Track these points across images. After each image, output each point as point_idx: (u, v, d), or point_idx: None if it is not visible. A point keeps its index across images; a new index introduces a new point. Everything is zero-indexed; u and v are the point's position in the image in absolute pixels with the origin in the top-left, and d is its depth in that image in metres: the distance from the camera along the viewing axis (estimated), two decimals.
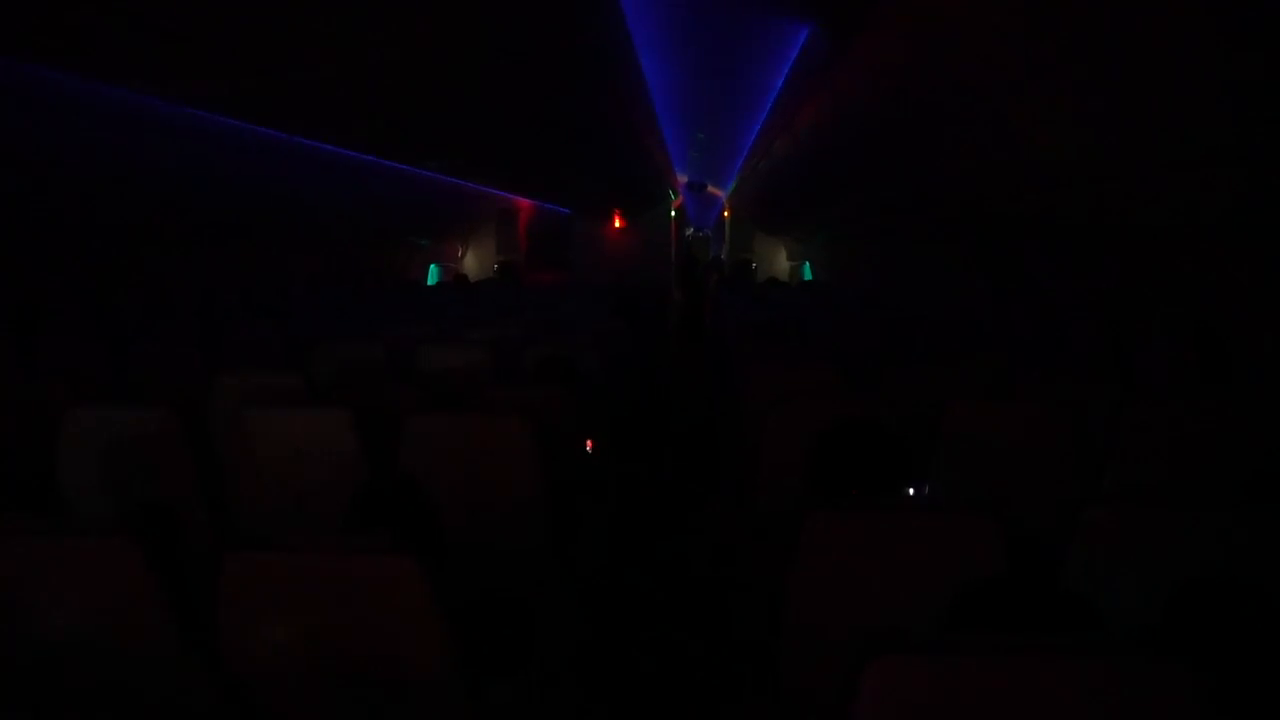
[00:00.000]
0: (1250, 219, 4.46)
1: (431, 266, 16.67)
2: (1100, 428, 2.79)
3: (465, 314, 7.42)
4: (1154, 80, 3.46)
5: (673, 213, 20.61)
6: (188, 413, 3.01)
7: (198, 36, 4.37)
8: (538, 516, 2.91)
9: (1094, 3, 3.26)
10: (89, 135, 5.85)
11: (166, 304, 7.91)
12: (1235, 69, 3.04)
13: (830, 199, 11.62)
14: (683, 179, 18.73)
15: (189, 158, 7.04)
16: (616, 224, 19.54)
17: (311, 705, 1.96)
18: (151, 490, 2.96)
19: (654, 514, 5.17)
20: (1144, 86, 3.57)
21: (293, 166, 8.54)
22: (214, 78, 5.22)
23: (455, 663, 1.84)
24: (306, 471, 3.00)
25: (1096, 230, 6.20)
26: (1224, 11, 2.80)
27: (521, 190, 17.26)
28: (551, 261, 19.09)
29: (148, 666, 1.95)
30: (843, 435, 2.33)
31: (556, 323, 6.51)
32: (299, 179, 9.05)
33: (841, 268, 15.93)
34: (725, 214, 22.72)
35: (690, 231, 23.67)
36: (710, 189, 19.93)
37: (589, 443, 3.86)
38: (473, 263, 18.66)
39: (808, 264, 19.46)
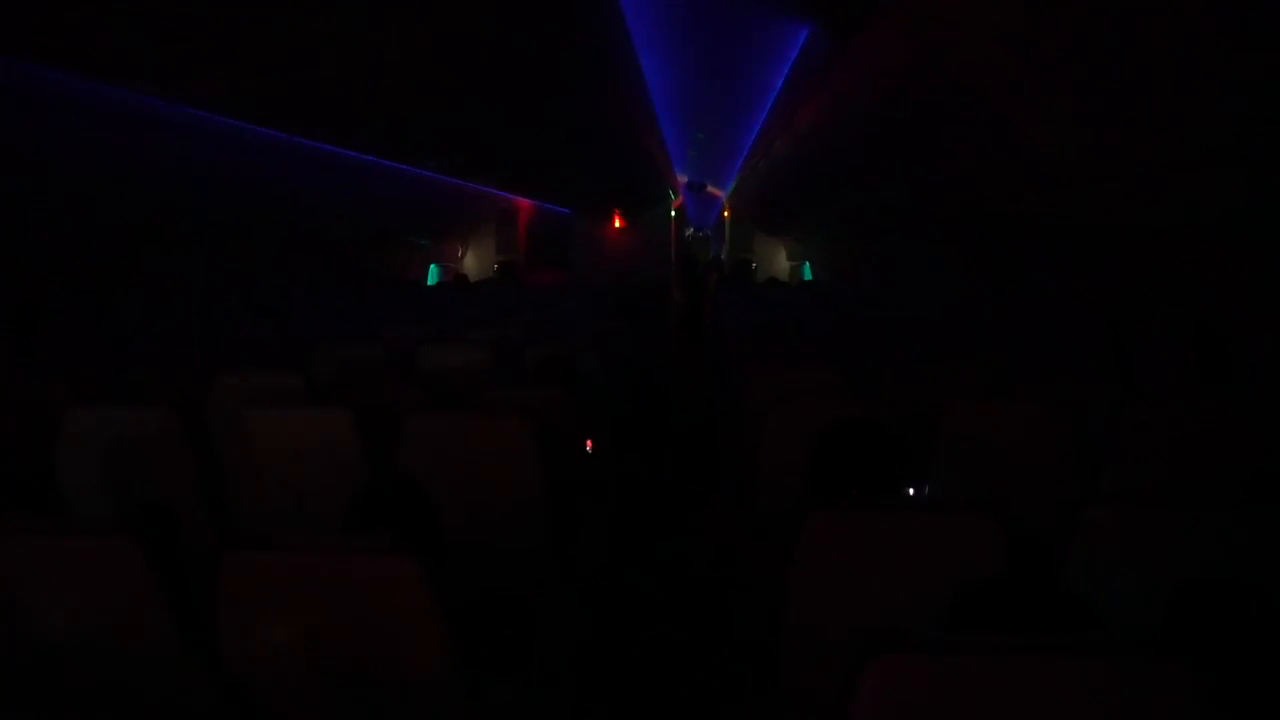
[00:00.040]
0: (1250, 219, 4.46)
1: (431, 266, 16.67)
2: (1100, 428, 2.79)
3: (465, 314, 7.42)
4: (1154, 80, 3.46)
5: (673, 213, 20.61)
6: (188, 413, 3.01)
7: (198, 36, 4.37)
8: (538, 516, 2.91)
9: (1094, 3, 3.26)
10: (89, 135, 5.85)
11: (166, 304, 7.91)
12: (1235, 69, 3.04)
13: (830, 199, 11.62)
14: (683, 179, 18.73)
15: (189, 158, 7.04)
16: (616, 224, 19.54)
17: (311, 705, 1.96)
18: (151, 490, 2.96)
19: (654, 514, 5.17)
20: (1144, 86, 3.57)
21: (293, 166, 8.54)
22: (214, 78, 5.22)
23: (455, 663, 1.84)
24: (306, 471, 3.00)
25: (1096, 230, 6.20)
26: (1224, 11, 2.80)
27: (521, 190, 17.27)
28: (551, 261, 19.09)
29: (148, 666, 1.95)
30: (843, 435, 2.33)
31: (556, 323, 6.51)
32: (299, 179, 9.05)
33: (841, 268, 15.93)
34: (725, 214, 22.73)
35: (690, 231, 23.68)
36: (710, 189, 19.93)
37: (589, 443, 3.86)
38: (473, 263, 18.66)
39: (807, 264, 19.46)
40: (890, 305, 8.20)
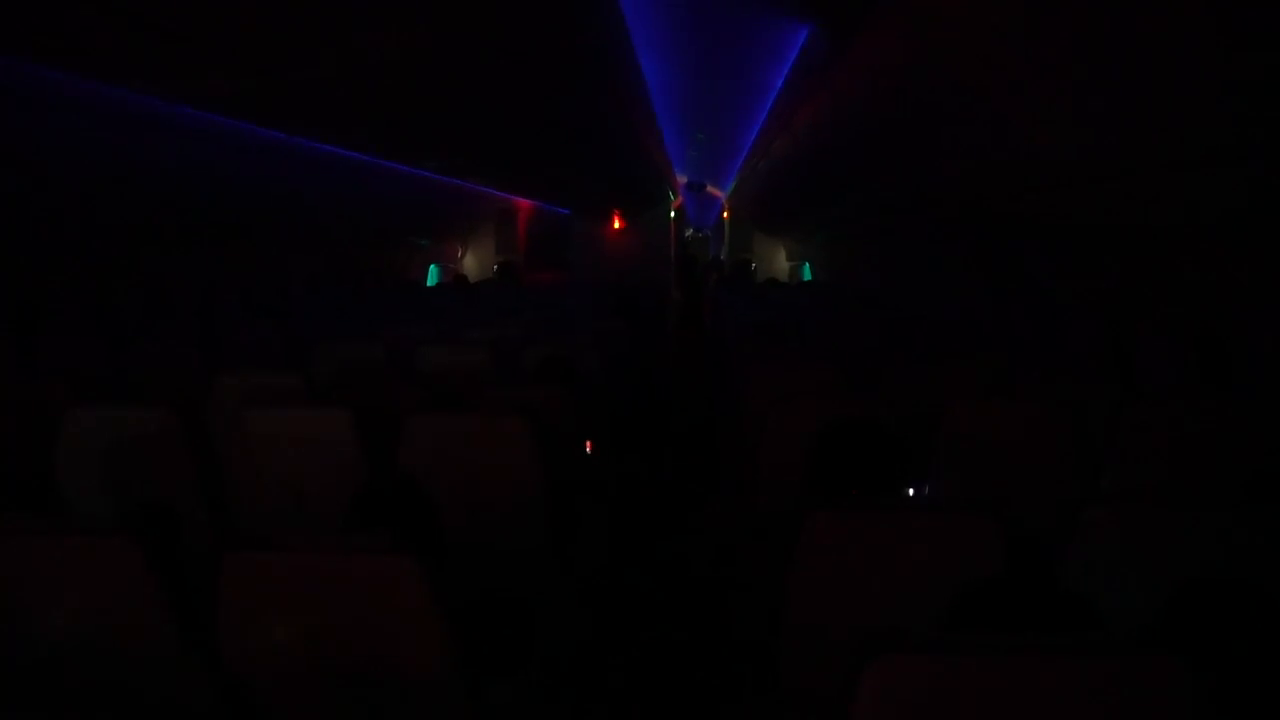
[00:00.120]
0: (1250, 219, 4.46)
1: (431, 267, 16.66)
2: (1100, 428, 2.79)
3: (465, 314, 7.42)
4: (1154, 80, 3.46)
5: (672, 213, 20.60)
6: (188, 413, 3.01)
7: (198, 36, 4.37)
8: (537, 516, 2.91)
9: (1094, 3, 3.26)
10: (89, 135, 5.85)
11: (166, 304, 7.91)
12: (1235, 69, 3.04)
13: (830, 199, 11.62)
14: (682, 179, 18.73)
15: (189, 158, 7.04)
16: (616, 225, 19.53)
17: (311, 705, 1.96)
18: (151, 490, 2.96)
19: (654, 514, 5.17)
20: (1144, 86, 3.57)
21: (293, 167, 8.54)
22: (214, 78, 5.21)
23: (455, 663, 1.84)
24: (306, 471, 3.00)
25: (1096, 230, 6.20)
26: (1224, 11, 2.80)
27: (521, 191, 17.26)
28: (551, 262, 19.09)
29: (148, 666, 1.95)
30: (842, 435, 2.33)
31: (556, 323, 6.51)
32: (299, 179, 9.05)
33: (841, 268, 15.93)
34: (724, 214, 22.72)
35: (690, 232, 23.69)
36: (710, 189, 19.93)
37: (588, 444, 3.86)
38: (472, 263, 18.65)
39: (807, 265, 19.45)
40: (890, 305, 8.21)
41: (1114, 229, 5.93)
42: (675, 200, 20.60)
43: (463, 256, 18.52)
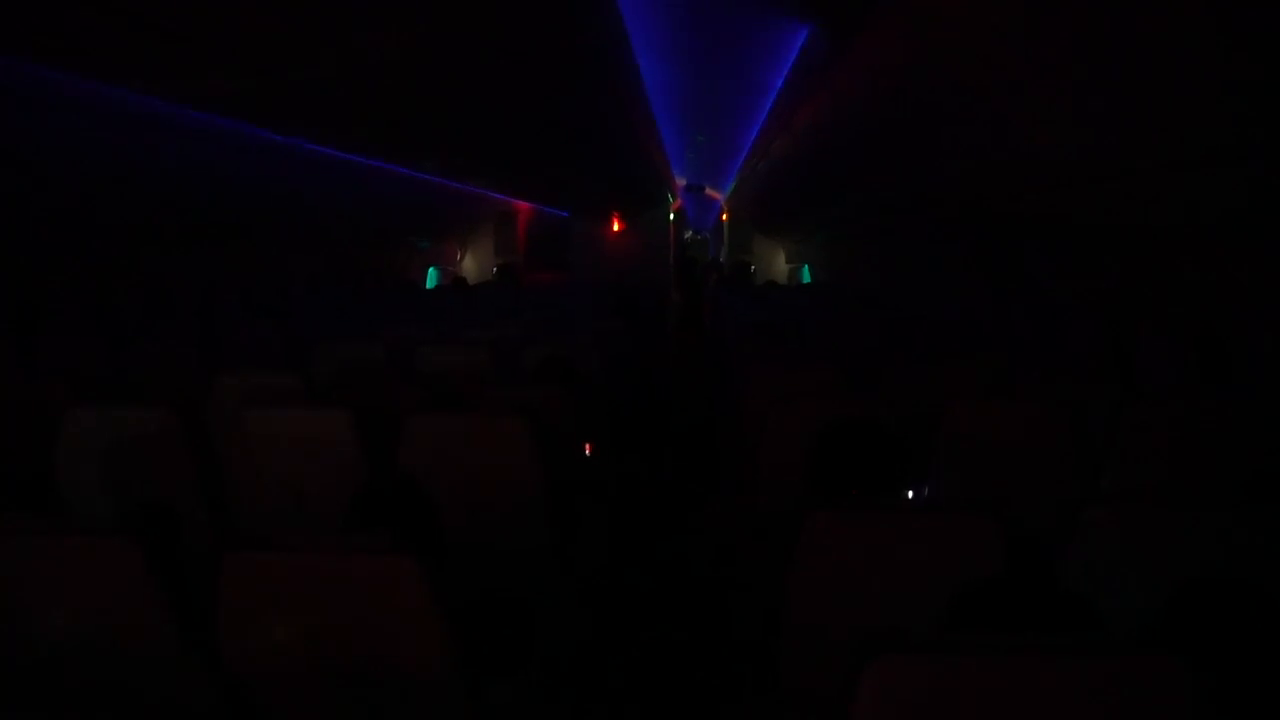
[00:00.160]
0: (1250, 219, 4.46)
1: (430, 269, 16.66)
2: (1100, 428, 2.79)
3: (465, 315, 7.42)
4: (1154, 80, 3.46)
5: (671, 215, 20.60)
6: (188, 413, 3.01)
7: (198, 36, 4.37)
8: (537, 516, 2.91)
9: (1094, 3, 3.26)
10: (89, 135, 5.85)
11: (166, 304, 7.91)
12: (1235, 69, 3.05)
13: (829, 199, 11.62)
14: (681, 181, 18.73)
15: (189, 158, 7.04)
16: (615, 227, 19.53)
17: (311, 705, 1.96)
18: (151, 490, 2.96)
19: (654, 514, 5.17)
20: (1144, 86, 3.57)
21: (293, 167, 8.55)
22: (214, 78, 5.21)
23: (455, 663, 1.84)
24: (306, 471, 3.00)
25: (1096, 230, 6.20)
26: (1224, 11, 2.80)
27: (520, 193, 17.26)
28: (550, 264, 19.09)
29: (148, 666, 1.95)
30: (842, 435, 2.33)
31: (556, 323, 6.51)
32: (299, 179, 9.05)
33: (841, 268, 15.93)
34: (724, 216, 22.70)
35: (689, 234, 23.68)
36: (709, 191, 19.93)
37: (588, 444, 3.86)
38: (471, 266, 18.65)
39: (806, 267, 19.44)
40: (890, 305, 8.21)
41: (1114, 229, 5.94)
42: (674, 202, 20.61)
43: (462, 259, 18.52)
